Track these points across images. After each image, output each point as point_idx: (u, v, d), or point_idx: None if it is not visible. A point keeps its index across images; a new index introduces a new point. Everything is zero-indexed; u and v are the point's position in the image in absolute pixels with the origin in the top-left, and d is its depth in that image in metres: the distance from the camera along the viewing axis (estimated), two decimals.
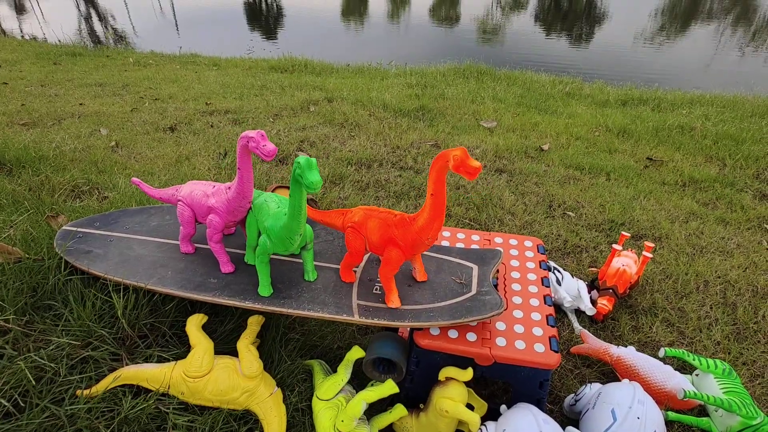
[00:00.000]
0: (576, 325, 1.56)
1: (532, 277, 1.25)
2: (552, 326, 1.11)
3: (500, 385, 1.25)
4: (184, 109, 3.98)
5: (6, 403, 0.88)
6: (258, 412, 1.05)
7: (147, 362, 1.09)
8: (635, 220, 2.29)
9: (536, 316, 1.13)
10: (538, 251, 1.35)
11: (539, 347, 1.05)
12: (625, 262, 1.68)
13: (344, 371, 1.15)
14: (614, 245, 1.70)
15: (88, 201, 1.92)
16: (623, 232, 1.80)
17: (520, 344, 1.05)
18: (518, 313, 1.14)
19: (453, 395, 1.04)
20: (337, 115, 3.70)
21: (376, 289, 1.16)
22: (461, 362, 1.07)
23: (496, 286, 1.23)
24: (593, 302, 1.65)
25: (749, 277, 1.84)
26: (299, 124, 3.49)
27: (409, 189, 2.50)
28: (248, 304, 1.08)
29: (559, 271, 1.62)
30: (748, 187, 2.70)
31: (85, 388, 1.01)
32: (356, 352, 1.16)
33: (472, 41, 10.64)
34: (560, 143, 3.40)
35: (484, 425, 1.05)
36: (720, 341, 1.53)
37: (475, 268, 1.20)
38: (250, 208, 1.16)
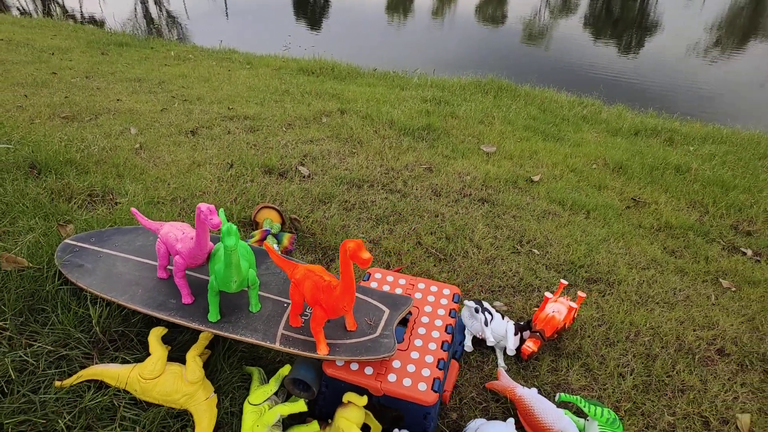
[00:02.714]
0: (500, 361, 1.74)
1: (438, 323, 1.45)
2: (440, 369, 1.31)
3: (395, 412, 1.46)
4: (208, 112, 4.28)
5: None
6: (193, 413, 1.31)
7: (113, 362, 1.37)
8: (595, 263, 2.42)
9: (429, 359, 1.33)
10: (453, 300, 1.55)
11: (422, 386, 1.25)
12: (557, 309, 1.84)
13: (274, 383, 1.40)
14: (547, 293, 1.87)
15: (100, 209, 2.23)
16: (562, 281, 1.96)
17: (406, 381, 1.26)
18: (415, 354, 1.34)
19: (350, 416, 1.27)
20: (344, 129, 3.93)
21: (303, 320, 1.39)
22: (360, 390, 1.30)
23: (406, 326, 1.44)
24: (524, 341, 1.82)
25: (680, 331, 1.96)
26: (308, 137, 3.74)
27: (390, 214, 2.71)
28: (194, 325, 1.34)
29: (489, 313, 1.81)
30: (722, 237, 2.76)
31: (62, 380, 1.30)
32: (286, 369, 1.41)
33: (515, 44, 10.59)
34: (553, 175, 3.51)
35: None
36: (627, 391, 1.68)
37: (387, 312, 1.41)
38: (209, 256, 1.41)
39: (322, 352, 1.27)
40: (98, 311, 1.40)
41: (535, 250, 2.50)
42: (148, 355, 1.36)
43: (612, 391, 1.68)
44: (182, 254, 1.38)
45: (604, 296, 2.18)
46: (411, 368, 1.30)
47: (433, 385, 1.26)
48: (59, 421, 1.19)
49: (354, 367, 1.30)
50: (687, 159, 3.90)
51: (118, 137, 3.47)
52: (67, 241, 1.60)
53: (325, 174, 3.10)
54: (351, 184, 3.00)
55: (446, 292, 1.57)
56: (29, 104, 4.12)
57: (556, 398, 1.52)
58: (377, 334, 1.33)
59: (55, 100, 4.28)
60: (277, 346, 1.30)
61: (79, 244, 1.60)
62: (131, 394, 1.31)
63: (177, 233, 1.41)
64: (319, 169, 3.17)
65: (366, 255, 1.11)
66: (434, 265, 2.29)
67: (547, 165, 3.70)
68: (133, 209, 1.55)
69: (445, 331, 1.42)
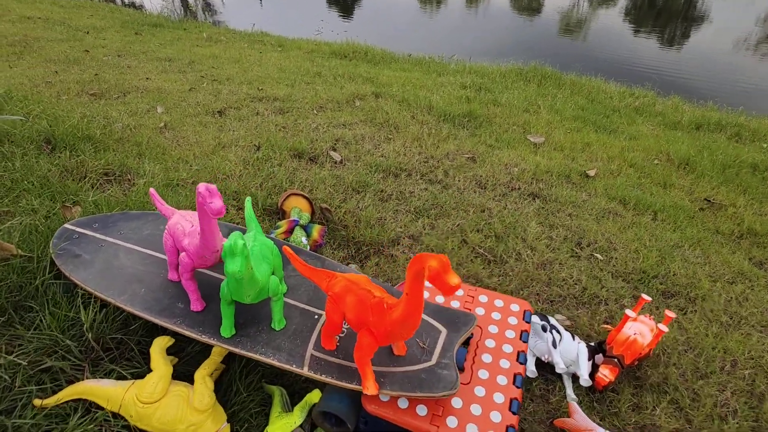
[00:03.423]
0: (569, 392, 1.44)
1: (507, 349, 1.16)
2: (514, 413, 1.02)
3: None
4: (236, 93, 4.08)
5: None
6: None
7: (107, 377, 1.14)
8: (671, 273, 2.07)
9: (499, 398, 1.04)
10: (524, 318, 1.25)
11: None
12: (639, 330, 1.52)
13: (299, 413, 1.14)
14: (627, 311, 1.55)
15: (113, 190, 2.02)
16: (643, 295, 1.63)
17: (471, 428, 0.98)
18: (480, 391, 1.06)
19: None
20: (379, 113, 3.64)
21: (337, 339, 1.12)
22: None
23: (466, 351, 1.15)
24: (596, 367, 1.51)
25: None
26: (340, 120, 3.48)
27: (431, 206, 2.42)
28: (204, 338, 1.09)
29: (558, 331, 1.50)
30: None
31: (43, 398, 1.07)
32: (315, 396, 1.15)
33: (553, 35, 10.10)
34: (610, 170, 3.15)
35: None
36: None
37: (444, 332, 1.13)
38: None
39: (370, 391, 1.00)
40: (92, 314, 1.16)
41: (598, 255, 2.17)
42: (149, 370, 1.12)
43: None
44: (189, 252, 1.12)
45: (686, 314, 1.85)
46: (476, 410, 1.02)
47: None
48: None
49: (403, 404, 1.02)
50: (763, 157, 3.46)
51: (144, 115, 3.30)
52: (66, 225, 1.38)
53: (359, 160, 2.82)
54: (387, 172, 2.72)
55: (514, 308, 1.28)
56: (58, 80, 4.02)
57: None
58: (433, 362, 1.05)
59: (85, 77, 4.17)
60: (305, 371, 1.04)
61: (80, 229, 1.37)
62: (125, 420, 1.07)
63: (185, 225, 1.16)
64: (352, 154, 2.90)
65: (455, 280, 0.80)
66: (483, 268, 1.99)
67: (603, 159, 3.33)
68: (151, 190, 1.30)
69: (517, 360, 1.13)
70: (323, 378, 1.02)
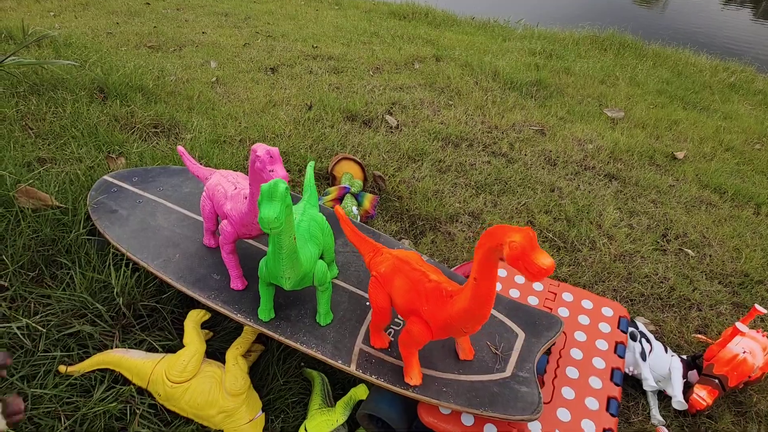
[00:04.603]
0: (655, 413, 1.22)
1: (598, 364, 0.95)
2: None
3: None
4: (290, 50, 3.93)
5: None
6: None
7: (137, 347, 1.03)
8: None
9: (588, 426, 0.84)
10: (619, 326, 1.03)
11: None
12: (749, 347, 1.26)
13: (342, 409, 0.99)
14: (737, 323, 1.28)
15: (161, 142, 1.93)
16: (757, 306, 1.35)
17: None
18: (564, 415, 0.86)
19: None
20: (440, 77, 3.38)
21: (391, 333, 0.96)
22: None
23: (547, 362, 0.95)
24: (689, 386, 1.28)
25: None
26: (397, 83, 3.25)
27: (494, 181, 2.18)
28: (239, 317, 0.95)
29: (648, 341, 1.27)
30: None
31: (69, 365, 0.98)
32: (362, 392, 1.00)
33: (627, 2, 9.21)
34: (702, 152, 2.75)
35: None
36: None
37: (521, 336, 0.93)
38: None
39: (413, 381, 0.83)
40: (124, 277, 1.05)
41: (689, 251, 1.88)
42: (182, 344, 1.00)
43: None
44: (231, 219, 0.97)
45: None
46: None
47: None
48: (52, 430, 0.86)
49: (467, 421, 0.85)
50: None
51: (197, 69, 3.22)
52: (106, 177, 1.28)
53: (416, 126, 2.60)
54: (446, 141, 2.49)
55: (608, 312, 1.06)
56: (119, 32, 4.03)
57: None
58: (508, 374, 0.86)
59: (144, 30, 4.17)
60: (352, 369, 0.88)
61: (119, 182, 1.27)
62: (153, 398, 0.97)
63: (227, 188, 1.00)
64: (410, 120, 2.68)
65: (546, 261, 0.60)
66: (552, 255, 1.76)
67: (693, 140, 2.92)
68: (179, 148, 1.15)
69: (611, 379, 0.92)
70: (373, 379, 0.87)
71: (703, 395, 1.21)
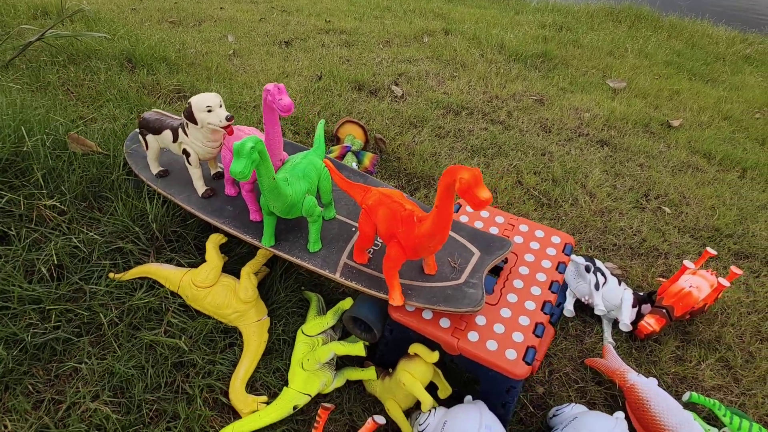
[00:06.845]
0: (607, 335, 1.40)
1: (541, 277, 1.13)
2: (537, 336, 1.01)
3: (469, 376, 1.21)
4: (304, 24, 4.07)
5: (44, 271, 1.11)
6: (243, 333, 1.17)
7: (168, 263, 1.27)
8: (749, 233, 1.89)
9: (524, 320, 1.04)
10: (563, 251, 1.21)
11: (511, 353, 0.97)
12: (696, 283, 1.42)
13: (332, 316, 1.21)
14: (686, 261, 1.44)
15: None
16: (708, 249, 1.50)
17: (491, 344, 0.99)
18: (506, 312, 1.06)
19: (415, 371, 1.05)
20: (447, 50, 3.49)
21: (370, 252, 1.16)
22: (431, 343, 1.06)
23: (498, 276, 1.14)
24: (641, 316, 1.45)
25: None
26: (406, 56, 3.38)
27: (489, 146, 2.34)
28: (248, 238, 1.17)
29: (602, 274, 1.44)
30: None
31: (116, 273, 1.22)
32: (347, 303, 1.21)
33: None
34: (699, 121, 2.83)
35: (434, 408, 1.04)
36: None
37: (477, 255, 1.12)
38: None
39: (396, 301, 1.03)
40: (155, 208, 1.29)
41: (666, 208, 2.02)
42: (203, 262, 1.23)
43: (762, 400, 1.28)
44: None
45: (758, 277, 1.69)
46: (499, 329, 1.03)
47: (525, 354, 0.98)
48: (105, 315, 1.11)
49: (427, 315, 1.05)
50: None
51: (215, 43, 3.40)
52: (137, 130, 1.50)
53: (420, 96, 2.76)
54: (447, 109, 2.64)
55: (555, 239, 1.24)
56: (142, 7, 4.21)
57: (684, 397, 1.17)
58: (461, 280, 1.06)
59: (166, 5, 4.34)
60: (337, 277, 1.09)
61: None
62: (182, 299, 1.21)
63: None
64: (414, 90, 2.83)
65: (485, 194, 0.78)
66: (535, 209, 1.93)
67: (692, 109, 3.00)
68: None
69: (549, 288, 1.11)
70: (353, 284, 1.07)
71: (651, 322, 1.39)
